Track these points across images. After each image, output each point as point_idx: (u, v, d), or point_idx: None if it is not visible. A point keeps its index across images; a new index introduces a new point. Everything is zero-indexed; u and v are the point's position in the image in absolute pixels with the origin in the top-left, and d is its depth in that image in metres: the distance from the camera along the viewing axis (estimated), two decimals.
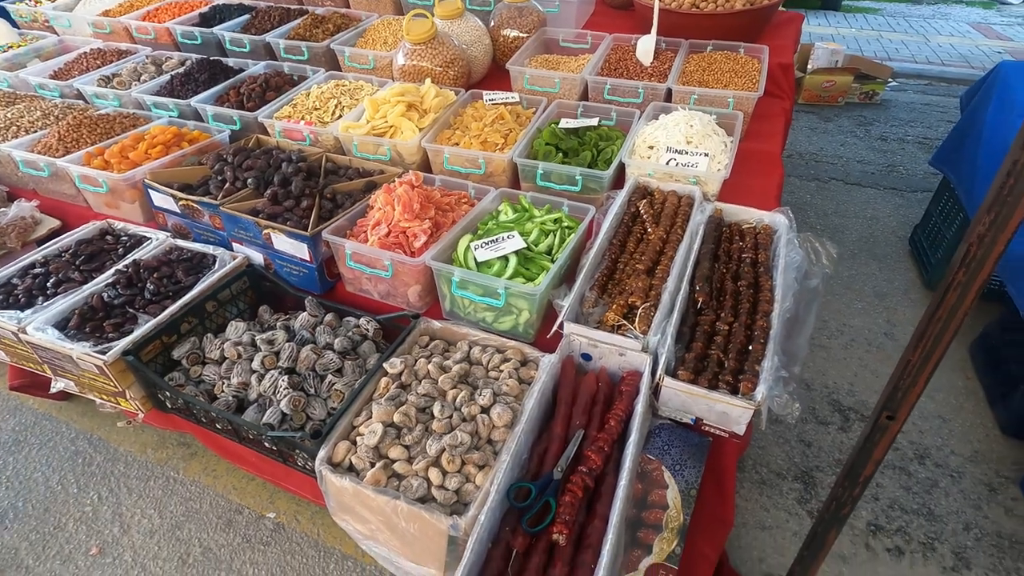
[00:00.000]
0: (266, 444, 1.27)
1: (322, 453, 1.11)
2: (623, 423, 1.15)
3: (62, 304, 1.43)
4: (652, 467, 1.17)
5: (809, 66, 4.45)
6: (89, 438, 1.91)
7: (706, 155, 1.68)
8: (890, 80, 4.64)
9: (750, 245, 1.47)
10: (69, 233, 1.73)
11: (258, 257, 1.62)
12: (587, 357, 1.31)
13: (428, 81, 2.03)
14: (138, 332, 1.34)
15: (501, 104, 2.00)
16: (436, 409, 1.16)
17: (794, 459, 1.75)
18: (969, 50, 5.91)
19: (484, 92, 2.07)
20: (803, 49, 4.45)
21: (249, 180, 1.66)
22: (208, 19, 2.76)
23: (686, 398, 1.17)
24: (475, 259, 1.43)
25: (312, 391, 1.31)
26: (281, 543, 1.55)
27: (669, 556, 1.04)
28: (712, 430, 1.21)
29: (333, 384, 1.32)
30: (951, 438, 1.83)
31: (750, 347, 1.22)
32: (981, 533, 1.57)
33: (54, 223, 1.92)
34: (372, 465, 1.10)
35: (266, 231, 1.53)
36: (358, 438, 1.14)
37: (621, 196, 1.61)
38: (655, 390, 1.20)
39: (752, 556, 1.51)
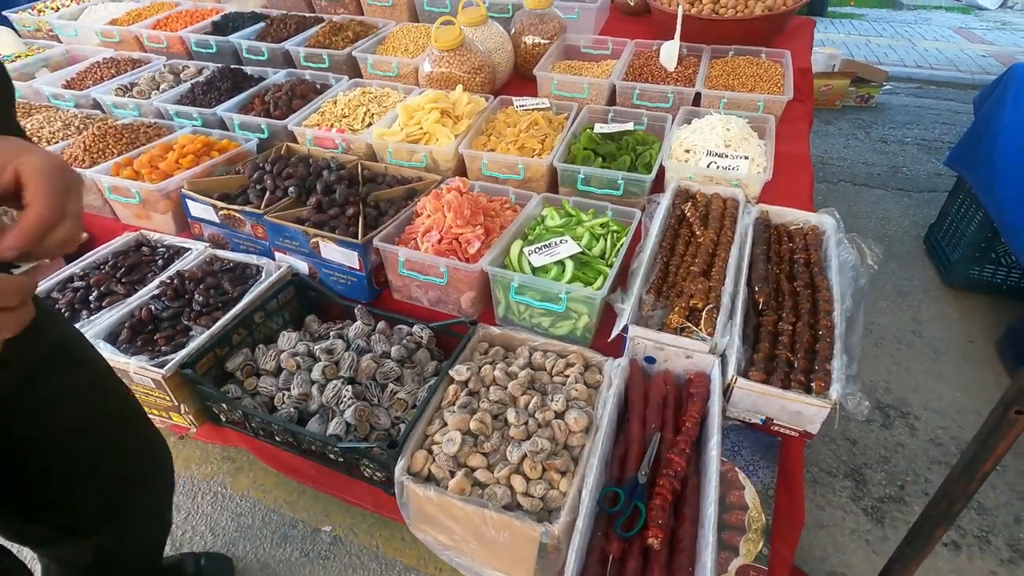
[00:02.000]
0: (331, 456, 1.25)
1: (401, 463, 1.09)
2: (699, 425, 1.15)
3: (109, 318, 1.40)
4: (725, 468, 1.17)
5: None
6: None
7: (746, 158, 1.70)
8: (884, 84, 4.74)
9: (800, 246, 1.49)
10: (103, 246, 1.69)
11: (302, 266, 1.60)
12: (651, 360, 1.31)
13: (460, 87, 2.03)
14: (193, 345, 1.31)
15: (533, 109, 2.01)
16: (511, 416, 1.15)
17: (842, 457, 1.77)
18: (955, 54, 6.07)
19: (514, 98, 2.07)
20: None
21: (290, 189, 1.64)
22: (221, 27, 2.73)
23: (758, 399, 1.18)
24: (530, 264, 1.43)
25: (375, 400, 1.29)
26: (340, 556, 1.52)
27: (757, 557, 1.04)
28: (782, 430, 1.22)
29: (395, 393, 1.30)
30: None
31: (817, 346, 1.23)
32: None
33: (82, 236, 1.87)
34: (452, 474, 1.08)
35: (314, 240, 1.51)
36: (434, 447, 1.13)
37: (665, 199, 1.62)
38: (726, 391, 1.20)
39: (814, 555, 1.52)
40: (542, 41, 2.39)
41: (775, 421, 1.21)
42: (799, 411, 1.15)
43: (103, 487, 1.02)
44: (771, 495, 1.13)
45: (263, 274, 1.54)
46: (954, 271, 2.44)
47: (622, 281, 1.47)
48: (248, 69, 2.40)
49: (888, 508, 1.64)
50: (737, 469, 1.18)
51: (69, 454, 0.95)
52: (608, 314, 1.38)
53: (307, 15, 2.76)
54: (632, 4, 2.86)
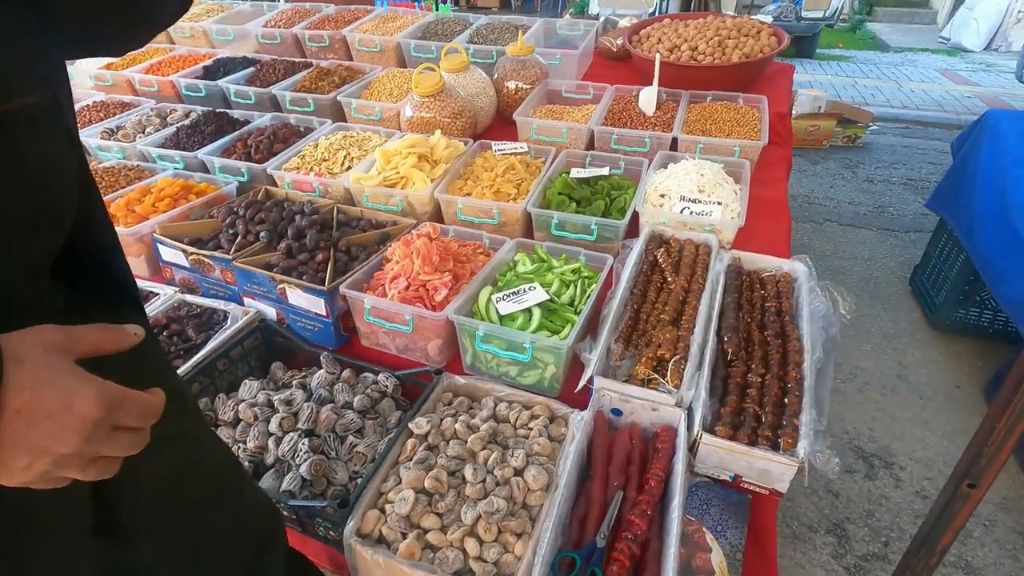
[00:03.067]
0: (284, 513, 1.20)
1: (351, 525, 1.05)
2: (663, 483, 1.11)
3: None
4: (692, 528, 1.13)
5: (793, 111, 4.61)
6: None
7: (719, 203, 1.70)
8: (871, 124, 4.82)
9: (772, 294, 1.47)
10: None
11: (270, 312, 1.58)
12: (617, 412, 1.28)
13: (438, 132, 2.05)
14: None
15: (511, 154, 2.02)
16: (468, 473, 1.11)
17: (823, 511, 1.71)
18: (941, 95, 6.19)
19: (493, 142, 2.09)
20: None
21: (262, 233, 1.64)
22: (212, 72, 2.79)
23: (725, 455, 1.14)
24: (497, 312, 1.41)
25: (333, 454, 1.25)
26: None
27: None
28: (752, 487, 1.18)
29: (354, 446, 1.27)
30: None
31: (785, 399, 1.20)
32: None
33: None
34: (404, 536, 1.04)
35: (281, 286, 1.50)
36: (387, 506, 1.09)
37: (638, 245, 1.61)
38: (692, 447, 1.17)
39: None
40: (524, 86, 2.43)
41: (744, 478, 1.17)
42: (767, 469, 1.11)
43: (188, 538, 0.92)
44: (739, 559, 1.08)
45: (229, 320, 1.52)
46: (939, 314, 2.42)
47: (593, 329, 1.45)
48: (235, 113, 2.44)
49: (871, 567, 1.58)
50: (705, 529, 1.13)
51: (160, 501, 0.86)
52: (578, 363, 1.35)
53: (296, 60, 2.82)
54: (615, 50, 2.93)
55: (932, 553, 0.80)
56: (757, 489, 1.17)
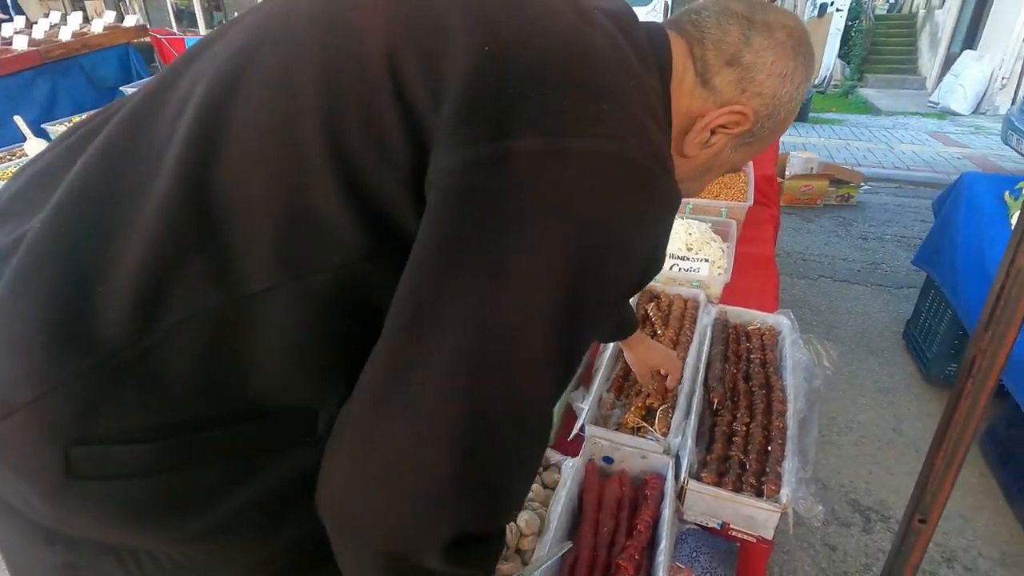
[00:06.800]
0: None
1: None
2: (651, 528, 1.15)
3: None
4: (683, 575, 1.15)
5: (787, 173, 4.80)
6: None
7: (706, 260, 1.80)
8: (863, 184, 4.99)
9: (757, 346, 1.54)
10: None
11: None
12: (608, 460, 1.33)
13: None
14: None
15: None
16: None
17: (820, 564, 1.70)
18: (931, 156, 6.42)
19: None
20: (780, 158, 4.83)
21: None
22: None
23: (711, 501, 1.18)
24: None
25: None
26: None
27: None
28: (739, 535, 1.21)
29: None
30: (976, 539, 1.80)
31: (769, 447, 1.25)
32: None
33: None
34: None
35: None
36: None
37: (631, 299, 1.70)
38: (680, 494, 1.21)
39: None
40: None
41: (731, 526, 1.20)
42: (751, 515, 1.15)
43: None
44: None
45: None
46: (932, 368, 2.46)
47: (587, 379, 1.52)
48: None
49: None
50: None
51: None
52: (571, 414, 1.41)
53: None
54: None
55: None
56: (744, 536, 1.20)
